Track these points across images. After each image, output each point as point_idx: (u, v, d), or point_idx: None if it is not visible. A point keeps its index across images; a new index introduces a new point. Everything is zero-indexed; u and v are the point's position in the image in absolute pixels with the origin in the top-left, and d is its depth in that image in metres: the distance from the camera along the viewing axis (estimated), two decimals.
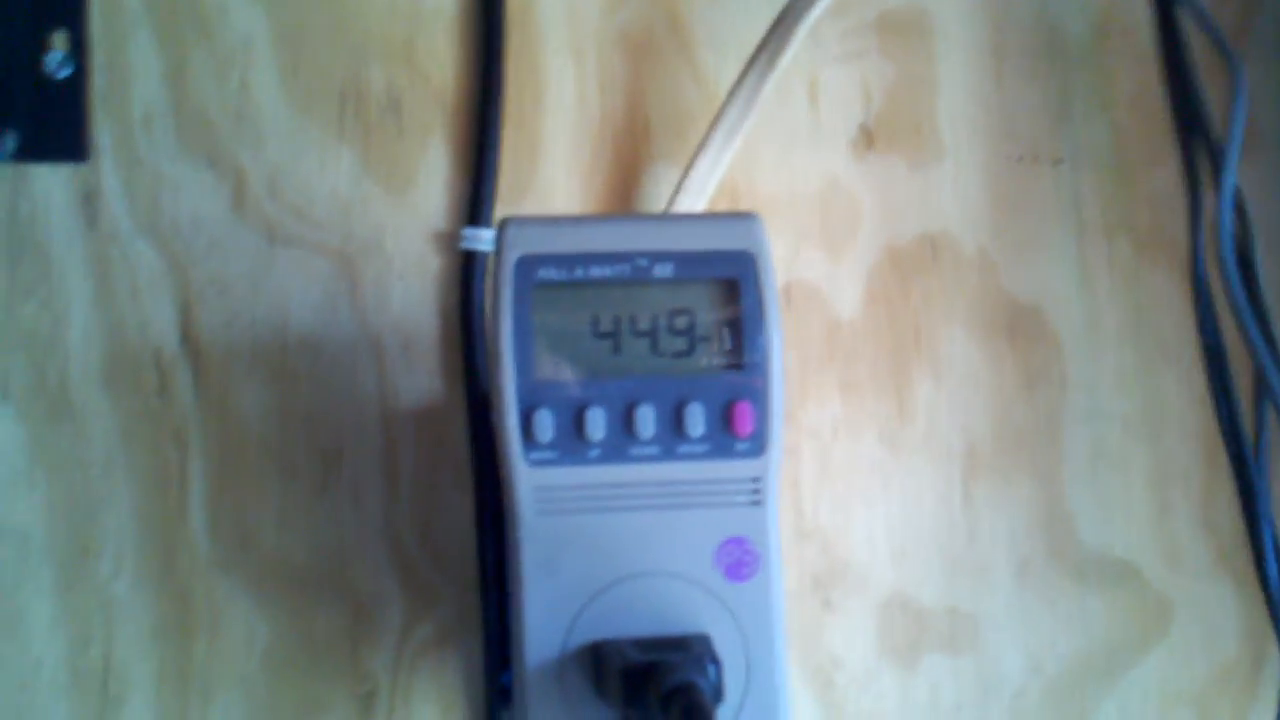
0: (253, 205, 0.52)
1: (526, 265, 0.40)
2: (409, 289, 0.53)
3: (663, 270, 0.40)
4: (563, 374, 0.40)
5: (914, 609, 0.54)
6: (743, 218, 0.41)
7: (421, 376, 0.52)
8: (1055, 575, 0.55)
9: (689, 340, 0.40)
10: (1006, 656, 0.54)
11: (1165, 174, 0.58)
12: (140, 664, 0.49)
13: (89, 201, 0.51)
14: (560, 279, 0.40)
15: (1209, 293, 0.53)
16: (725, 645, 0.39)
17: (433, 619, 0.51)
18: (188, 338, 0.51)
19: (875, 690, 0.53)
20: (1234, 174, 0.51)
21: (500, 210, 0.53)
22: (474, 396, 0.52)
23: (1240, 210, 0.53)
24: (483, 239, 0.52)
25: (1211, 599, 0.56)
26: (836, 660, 0.53)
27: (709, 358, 0.40)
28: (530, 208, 0.54)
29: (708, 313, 0.41)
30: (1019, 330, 0.56)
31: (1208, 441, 0.56)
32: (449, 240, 0.53)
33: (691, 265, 0.41)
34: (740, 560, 0.40)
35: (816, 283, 0.55)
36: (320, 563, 0.50)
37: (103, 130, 0.52)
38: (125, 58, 0.52)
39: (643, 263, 0.40)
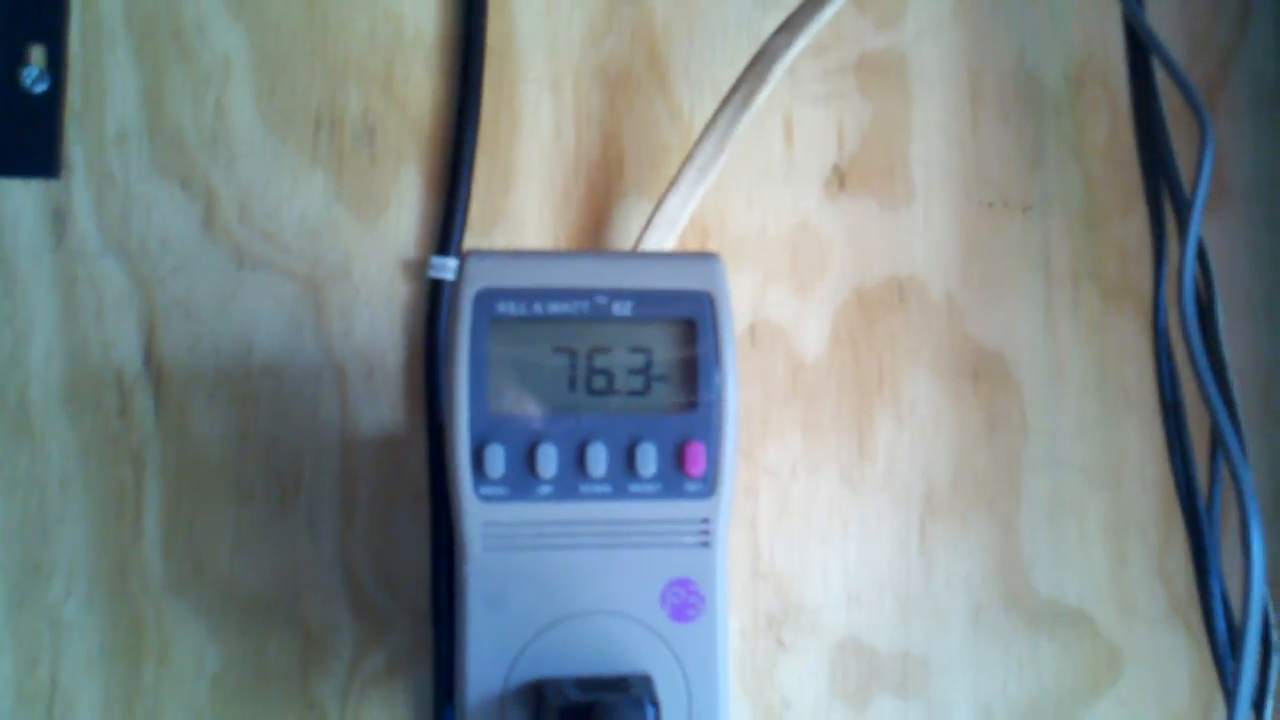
0: (222, 227, 0.52)
1: (485, 299, 0.40)
2: (375, 316, 0.53)
3: (621, 308, 0.41)
4: (517, 409, 0.40)
5: (866, 651, 0.54)
6: (703, 258, 0.42)
7: (384, 405, 0.52)
8: (1009, 621, 0.55)
9: (645, 379, 0.41)
10: (957, 701, 0.54)
11: (1134, 224, 0.59)
12: (87, 686, 0.49)
13: (58, 218, 0.51)
14: (519, 314, 0.40)
15: (1169, 345, 0.54)
16: (668, 686, 0.39)
17: (384, 649, 0.51)
18: (151, 359, 0.51)
19: None
20: (1198, 226, 0.51)
21: (470, 240, 0.53)
22: (435, 427, 0.52)
23: (1204, 263, 0.53)
24: (451, 268, 0.52)
25: (1163, 648, 0.56)
26: (787, 700, 0.53)
27: (664, 397, 0.41)
28: (501, 238, 0.54)
29: (665, 352, 0.41)
30: (982, 375, 0.57)
31: (1166, 492, 0.56)
32: (418, 268, 0.53)
33: (651, 304, 0.41)
34: (686, 602, 0.40)
35: (782, 322, 0.56)
36: (273, 589, 0.50)
37: (75, 147, 0.52)
38: (102, 75, 0.52)
39: (602, 300, 0.41)
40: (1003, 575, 0.55)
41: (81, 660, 0.49)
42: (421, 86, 0.54)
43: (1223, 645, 0.50)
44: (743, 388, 0.53)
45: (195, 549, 0.50)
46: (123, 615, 0.50)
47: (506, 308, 0.40)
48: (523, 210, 0.55)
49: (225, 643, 0.50)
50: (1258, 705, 0.49)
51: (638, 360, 0.41)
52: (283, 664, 0.50)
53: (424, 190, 0.54)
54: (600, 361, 0.41)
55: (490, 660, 0.39)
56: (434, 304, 0.53)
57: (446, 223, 0.53)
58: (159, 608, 0.50)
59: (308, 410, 0.52)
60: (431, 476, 0.51)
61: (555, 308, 0.40)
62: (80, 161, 0.52)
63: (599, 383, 0.40)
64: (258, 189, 0.53)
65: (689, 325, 0.41)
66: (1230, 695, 0.48)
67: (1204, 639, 0.54)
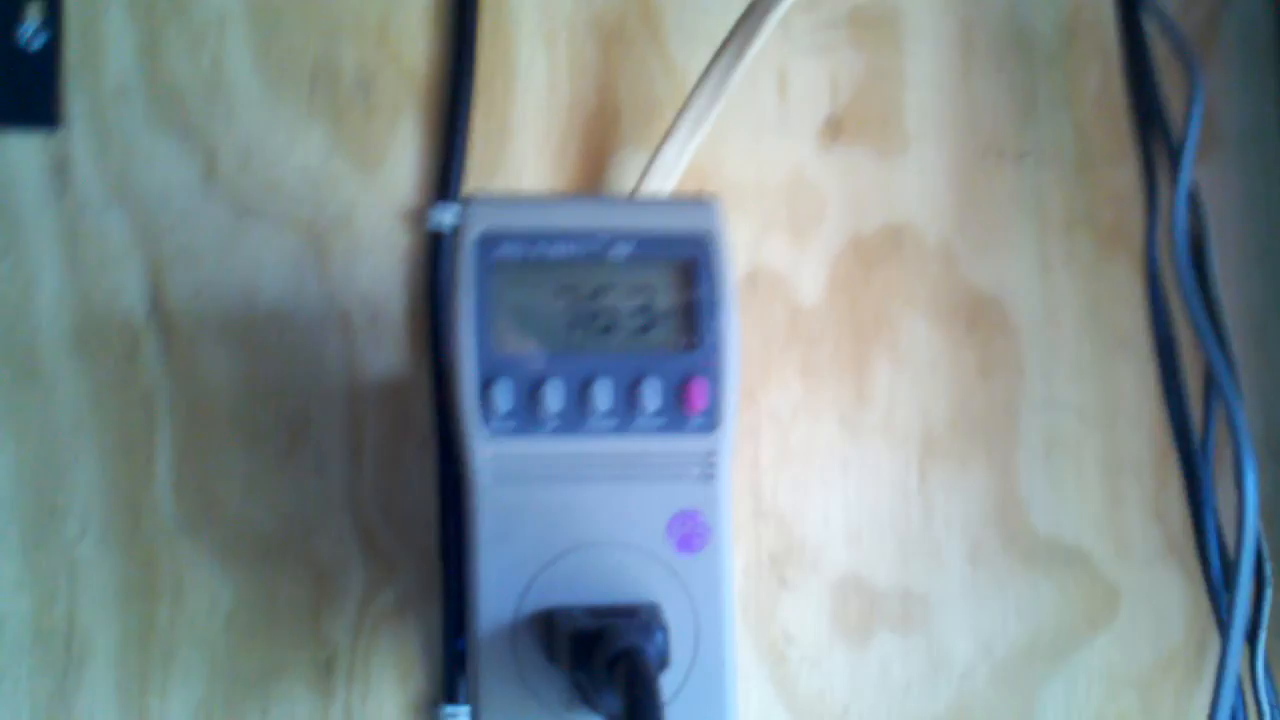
0: (223, 179, 0.53)
1: (488, 242, 0.41)
2: (377, 264, 0.53)
3: (622, 250, 0.41)
4: (522, 348, 0.41)
5: (867, 589, 0.55)
6: (702, 201, 0.42)
7: (388, 350, 0.53)
8: (1006, 559, 0.56)
9: (647, 318, 0.41)
10: (956, 637, 0.55)
11: (1126, 171, 0.59)
12: (103, 625, 0.50)
13: (60, 170, 0.52)
14: (521, 256, 0.41)
15: (1162, 287, 0.55)
16: (675, 614, 0.40)
17: (393, 587, 0.52)
18: (157, 307, 0.52)
19: (826, 667, 0.54)
20: (1190, 171, 0.52)
21: (468, 189, 0.54)
22: (439, 370, 0.52)
23: (1196, 207, 0.54)
24: (450, 217, 0.53)
25: (1159, 586, 0.57)
26: (790, 637, 0.54)
27: (665, 336, 0.41)
28: (499, 188, 0.55)
29: (665, 292, 0.42)
30: (979, 320, 0.57)
31: (1160, 432, 0.57)
32: (417, 217, 0.54)
33: (650, 246, 0.42)
34: (691, 532, 0.41)
35: (781, 269, 0.56)
36: (284, 530, 0.51)
37: (75, 100, 0.52)
38: (99, 29, 0.53)
39: (603, 242, 0.41)
40: (1000, 515, 0.56)
41: (98, 599, 0.50)
42: (417, 39, 0.55)
43: (1217, 579, 0.52)
44: (743, 334, 0.54)
45: (206, 490, 0.51)
46: (137, 555, 0.50)
47: (509, 250, 0.41)
48: (520, 161, 0.55)
49: (238, 581, 0.51)
50: (1251, 637, 0.50)
51: (639, 300, 0.41)
52: (295, 602, 0.51)
53: (421, 141, 0.54)
54: (602, 301, 0.41)
55: (501, 591, 0.40)
56: (435, 252, 0.53)
57: (445, 172, 0.54)
58: (172, 548, 0.51)
59: (313, 356, 0.52)
60: (437, 419, 0.52)
61: (557, 250, 0.41)
62: (80, 114, 0.52)
63: (602, 322, 0.41)
64: (257, 141, 0.53)
65: (689, 266, 0.42)
66: (1224, 627, 0.49)
67: (1199, 576, 0.56)
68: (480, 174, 0.54)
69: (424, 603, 0.52)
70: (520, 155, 0.55)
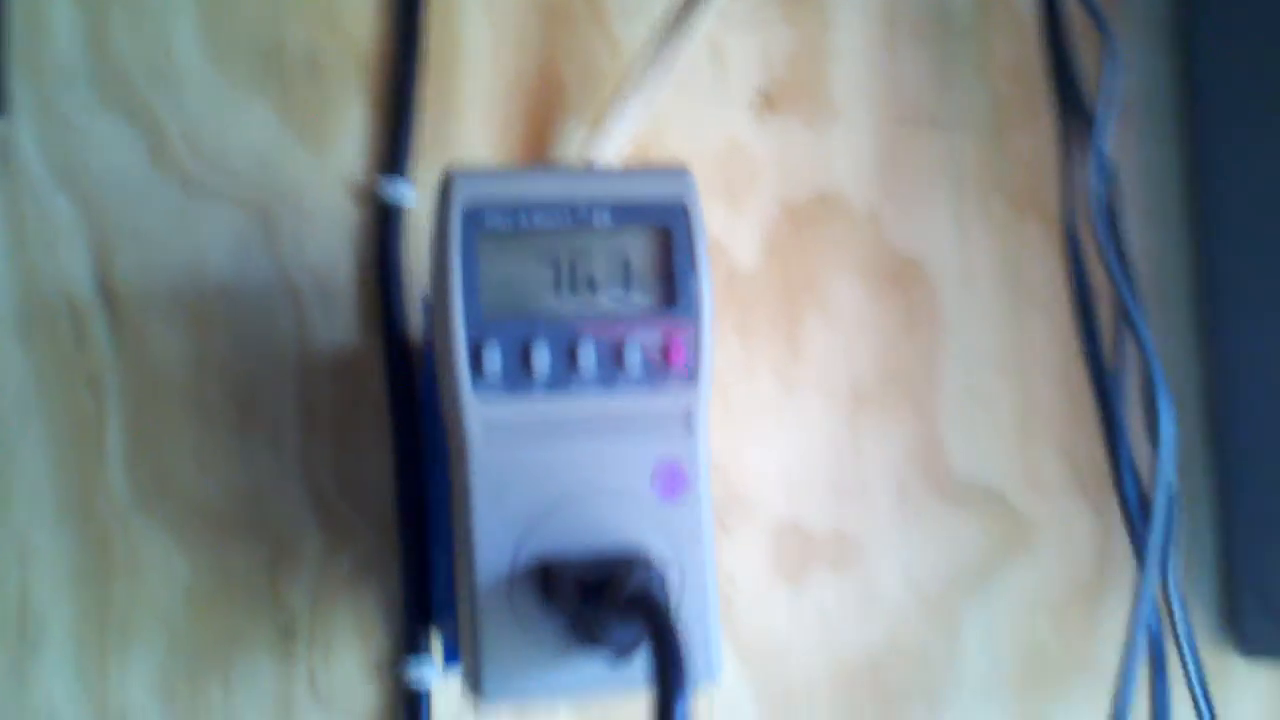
0: (171, 159, 0.53)
1: (472, 214, 0.42)
2: (326, 240, 0.54)
3: (601, 219, 0.43)
4: (509, 314, 0.42)
5: (803, 532, 0.58)
6: (676, 171, 0.45)
7: (339, 324, 0.54)
8: (930, 500, 0.60)
9: (626, 282, 0.44)
10: (886, 573, 0.59)
11: (1037, 136, 0.63)
12: (58, 607, 0.50)
13: (4, 155, 0.51)
14: (505, 226, 0.43)
15: (1079, 242, 0.59)
16: (661, 558, 0.43)
17: (349, 554, 0.53)
18: (104, 287, 0.51)
19: (767, 606, 0.58)
20: (1106, 138, 0.56)
21: (417, 164, 0.55)
22: (392, 343, 0.53)
23: (1109, 172, 0.58)
24: (401, 191, 0.54)
25: (1069, 519, 0.62)
26: (732, 579, 0.57)
27: (645, 298, 0.44)
28: (447, 160, 0.56)
29: (644, 257, 0.44)
30: (902, 279, 0.61)
31: (1069, 379, 0.62)
32: (366, 192, 0.55)
33: (629, 214, 0.44)
34: (674, 482, 0.43)
35: (717, 235, 0.59)
36: (238, 503, 0.52)
37: (20, 84, 0.51)
38: (44, 13, 0.52)
39: (583, 211, 0.43)
40: (924, 459, 0.60)
41: (51, 582, 0.50)
42: (364, 17, 0.55)
43: (1132, 505, 0.56)
44: None
45: (159, 468, 0.51)
46: (91, 536, 0.50)
47: (493, 222, 0.43)
48: (466, 135, 0.56)
49: (194, 556, 0.51)
50: (1163, 560, 0.54)
51: (619, 265, 0.44)
52: (252, 573, 0.52)
53: (369, 118, 0.55)
54: (584, 268, 0.43)
55: (496, 543, 0.42)
56: (385, 226, 0.54)
57: (394, 148, 0.54)
58: (127, 526, 0.51)
59: (264, 331, 0.53)
60: (390, 390, 0.53)
61: (539, 220, 0.43)
62: (26, 99, 0.51)
63: (584, 287, 0.43)
64: (204, 121, 0.53)
65: (665, 232, 0.44)
66: (1140, 551, 0.54)
67: (1105, 508, 0.61)
68: (427, 148, 0.55)
69: (380, 568, 0.53)
70: (467, 129, 0.56)
